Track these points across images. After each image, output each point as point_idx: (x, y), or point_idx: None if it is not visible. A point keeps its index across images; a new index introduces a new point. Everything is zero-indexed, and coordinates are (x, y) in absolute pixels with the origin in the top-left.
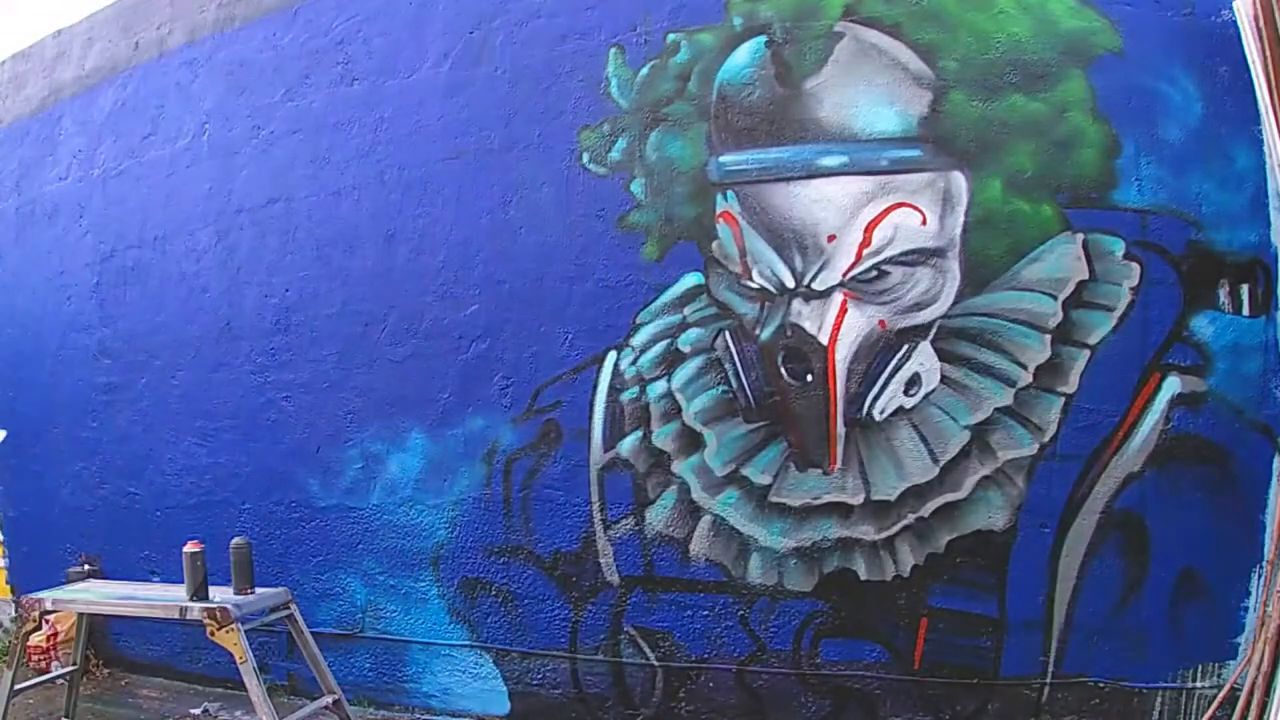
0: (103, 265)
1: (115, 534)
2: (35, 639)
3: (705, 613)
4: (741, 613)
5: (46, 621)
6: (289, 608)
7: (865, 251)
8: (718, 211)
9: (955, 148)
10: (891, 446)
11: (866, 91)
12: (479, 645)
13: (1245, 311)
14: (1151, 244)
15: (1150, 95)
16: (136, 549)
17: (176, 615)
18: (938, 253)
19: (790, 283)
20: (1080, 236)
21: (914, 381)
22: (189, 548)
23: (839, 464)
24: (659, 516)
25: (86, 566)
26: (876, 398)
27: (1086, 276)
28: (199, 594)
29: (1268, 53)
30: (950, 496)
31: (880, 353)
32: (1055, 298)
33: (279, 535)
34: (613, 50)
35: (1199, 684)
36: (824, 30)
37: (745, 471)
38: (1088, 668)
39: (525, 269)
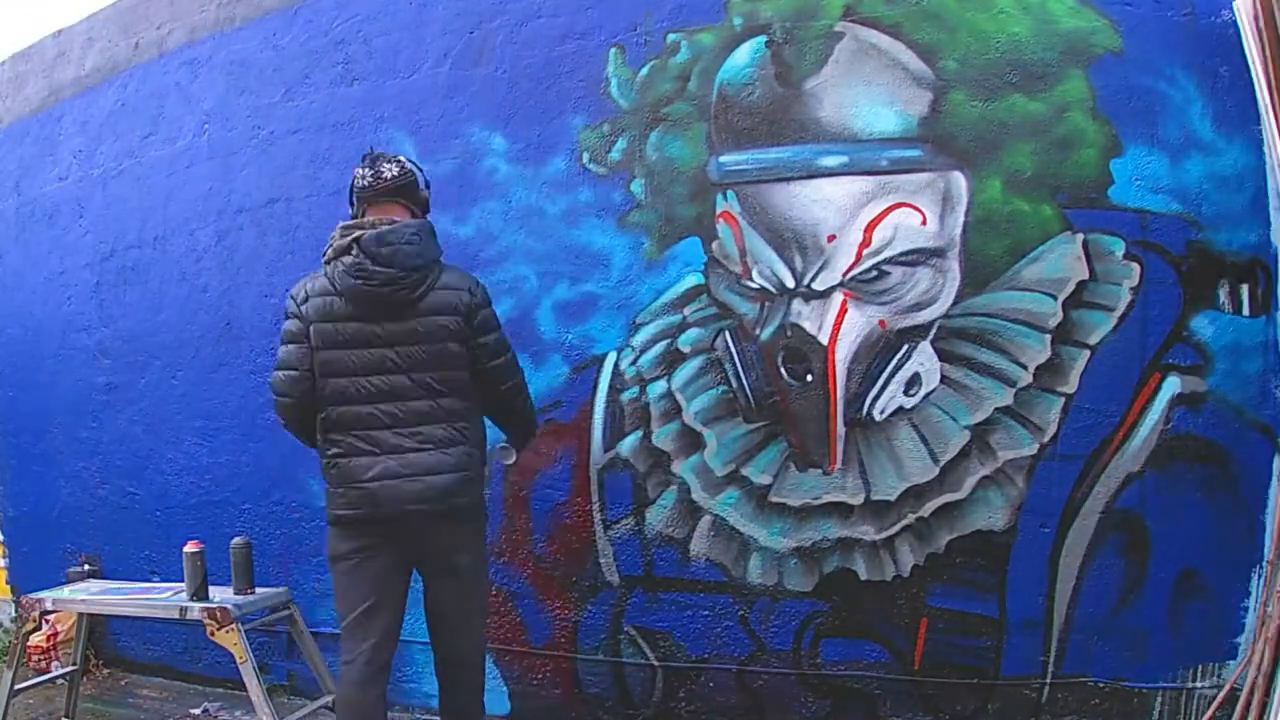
0: (103, 265)
1: (115, 534)
2: (35, 639)
3: (705, 613)
4: (741, 613)
5: (46, 621)
6: (289, 608)
7: (865, 251)
8: (718, 211)
9: (955, 148)
10: (891, 446)
11: (866, 91)
12: None
13: (1245, 311)
14: (1151, 244)
15: (1150, 95)
16: (136, 549)
17: (176, 615)
18: (938, 253)
19: (790, 283)
20: (1080, 236)
21: (914, 381)
22: (189, 548)
23: (839, 464)
24: (659, 516)
25: (86, 566)
26: (876, 398)
27: (1086, 276)
28: (199, 594)
29: (1268, 53)
30: (950, 496)
31: (880, 353)
32: (1055, 298)
33: (279, 535)
34: (613, 50)
35: (1199, 684)
36: (824, 30)
37: (745, 471)
38: (1088, 668)
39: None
